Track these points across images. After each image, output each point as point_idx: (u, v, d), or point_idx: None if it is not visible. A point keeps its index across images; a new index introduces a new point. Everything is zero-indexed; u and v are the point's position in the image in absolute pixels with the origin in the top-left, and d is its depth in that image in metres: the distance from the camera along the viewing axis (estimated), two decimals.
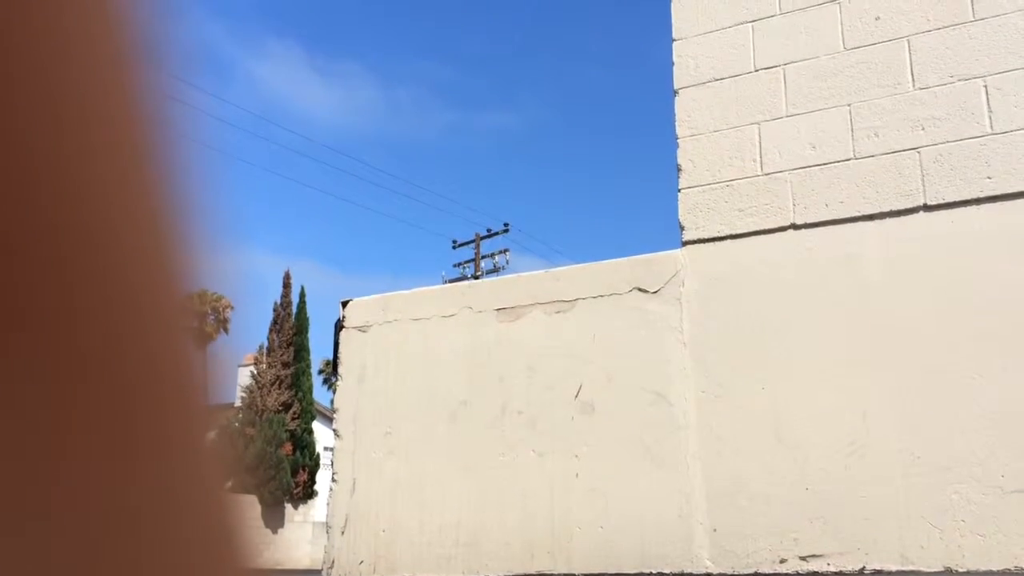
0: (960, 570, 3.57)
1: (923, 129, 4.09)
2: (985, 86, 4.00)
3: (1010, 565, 3.50)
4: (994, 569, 3.51)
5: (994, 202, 3.89)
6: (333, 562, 4.90)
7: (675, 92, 4.74)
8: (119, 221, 0.25)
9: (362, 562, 4.80)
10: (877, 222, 4.10)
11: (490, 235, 34.58)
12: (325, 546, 5.00)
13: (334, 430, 5.29)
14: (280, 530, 25.29)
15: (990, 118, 3.96)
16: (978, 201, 3.91)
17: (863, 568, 3.73)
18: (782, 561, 3.89)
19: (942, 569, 3.60)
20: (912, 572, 3.63)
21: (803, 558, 3.86)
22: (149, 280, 0.26)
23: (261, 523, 24.87)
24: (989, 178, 3.91)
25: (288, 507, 25.68)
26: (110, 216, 0.25)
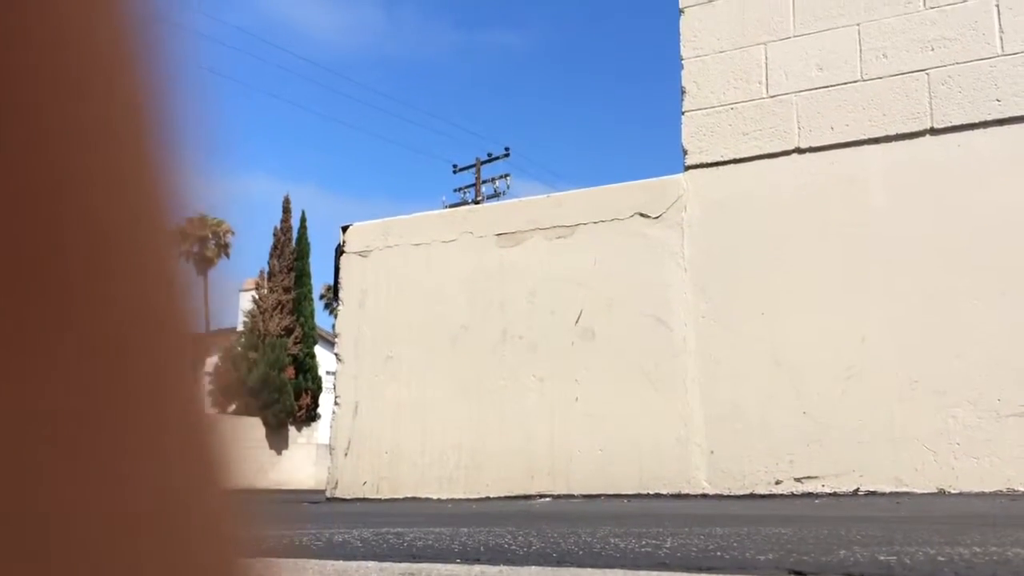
0: (953, 491, 3.64)
1: (932, 50, 4.00)
2: (997, 5, 3.89)
3: (1003, 487, 3.57)
4: (987, 491, 3.58)
5: (1001, 125, 3.83)
6: (337, 483, 5.00)
7: (680, 11, 4.62)
8: (102, 143, 0.24)
9: (365, 483, 4.90)
10: (883, 146, 4.05)
11: (491, 160, 34.30)
12: (329, 467, 5.09)
13: (336, 354, 5.33)
14: (284, 452, 25.79)
15: (1001, 39, 3.87)
16: (985, 124, 3.85)
17: (857, 489, 3.81)
18: (777, 483, 3.97)
19: (935, 491, 3.67)
20: (905, 494, 3.70)
21: (798, 479, 3.93)
22: (137, 203, 0.25)
23: (266, 445, 25.33)
24: (997, 100, 3.84)
25: (292, 430, 26.12)
26: (93, 137, 0.24)
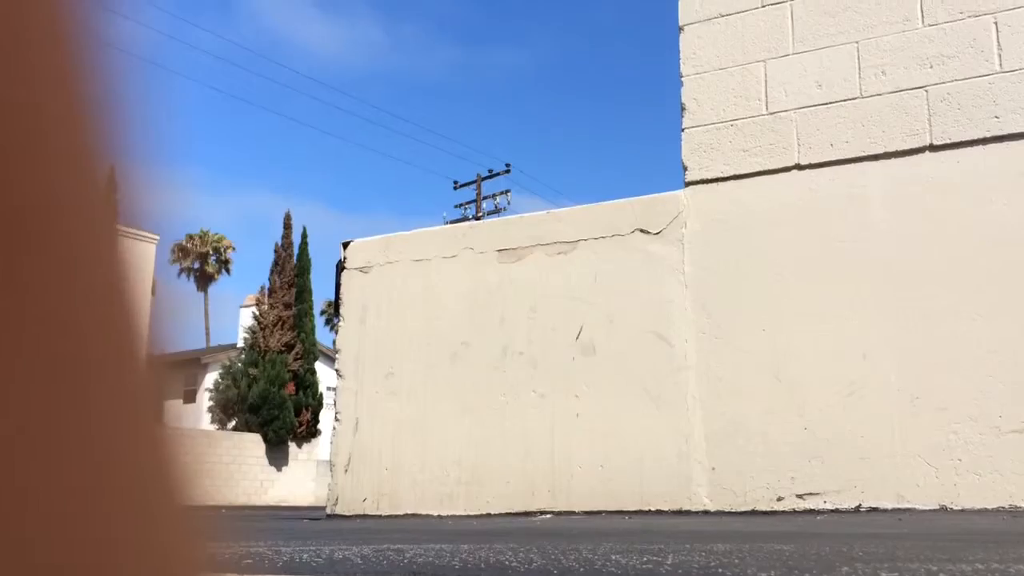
0: (955, 508, 3.62)
1: (931, 67, 4.02)
2: (995, 23, 3.92)
3: (1005, 503, 3.56)
4: (989, 507, 3.57)
5: (1001, 142, 3.84)
6: (337, 499, 4.98)
7: (680, 29, 4.65)
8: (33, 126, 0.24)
9: (365, 499, 4.88)
10: (882, 162, 4.06)
11: (492, 176, 34.38)
12: (329, 484, 5.08)
13: (336, 370, 5.33)
14: (284, 468, 25.71)
15: (999, 56, 3.89)
16: (984, 141, 3.87)
17: (859, 506, 3.79)
18: (779, 499, 3.95)
19: (937, 507, 3.66)
20: (907, 510, 3.68)
21: (800, 496, 3.91)
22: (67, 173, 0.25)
23: (265, 461, 25.23)
24: (996, 117, 3.86)
25: (292, 446, 26.03)
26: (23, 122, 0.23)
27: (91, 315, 0.26)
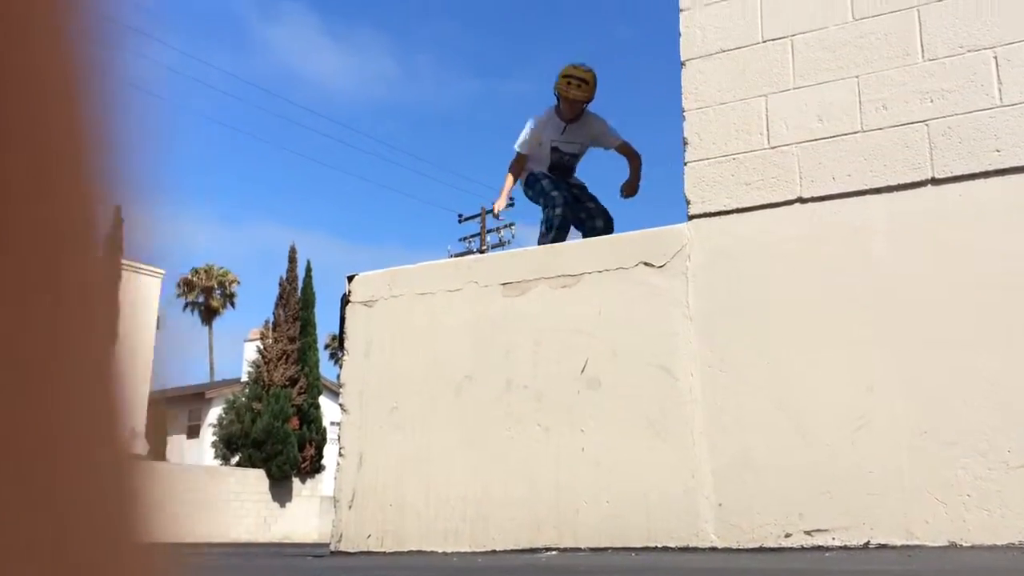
0: (965, 544, 3.58)
1: (932, 101, 4.04)
2: (995, 57, 3.95)
3: (1015, 540, 3.51)
4: (999, 544, 3.52)
5: (1002, 175, 3.85)
6: (341, 536, 4.94)
7: (682, 64, 4.69)
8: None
9: (370, 536, 4.84)
10: (884, 195, 4.07)
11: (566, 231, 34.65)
12: (333, 520, 5.03)
13: (340, 405, 5.31)
14: (288, 504, 25.51)
15: (999, 90, 3.92)
16: (986, 174, 3.88)
17: (868, 542, 3.75)
18: (787, 535, 3.91)
19: (947, 544, 3.61)
20: (916, 547, 3.64)
21: (808, 532, 3.87)
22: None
23: (269, 497, 25.04)
24: (998, 151, 3.87)
25: (296, 481, 25.87)
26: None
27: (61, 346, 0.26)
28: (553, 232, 5.87)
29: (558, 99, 5.95)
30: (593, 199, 6.14)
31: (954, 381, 3.74)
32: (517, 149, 6.13)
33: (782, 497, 3.95)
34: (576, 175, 6.31)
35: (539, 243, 5.93)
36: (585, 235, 5.96)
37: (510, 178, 6.26)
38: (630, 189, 6.15)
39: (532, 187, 6.13)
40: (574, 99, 5.86)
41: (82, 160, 0.26)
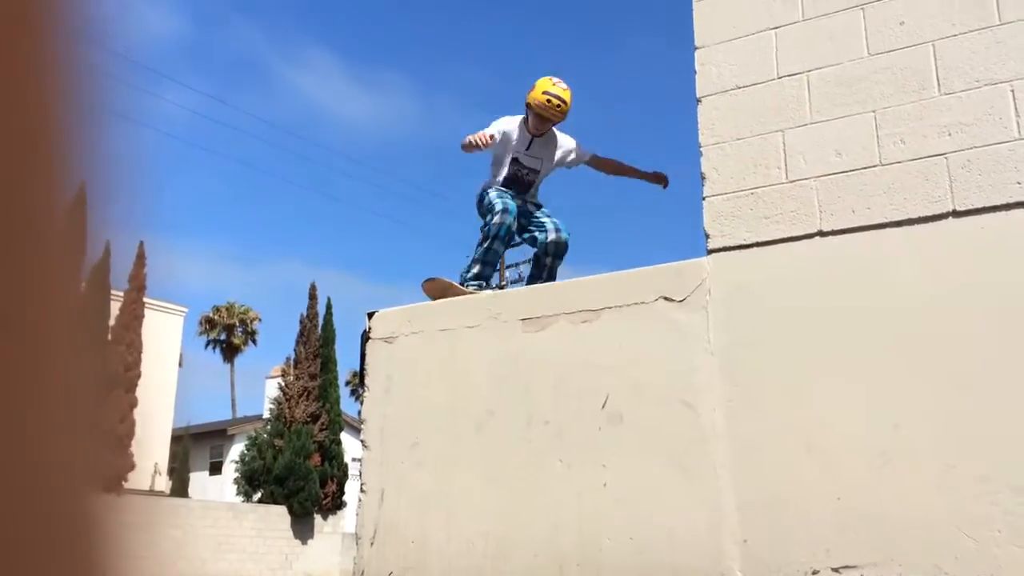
0: None
1: (950, 135, 4.05)
2: (1012, 90, 3.95)
3: None
4: None
5: (1022, 207, 3.84)
6: (363, 573, 4.92)
7: (698, 100, 4.73)
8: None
9: (391, 573, 4.82)
10: (905, 228, 4.06)
11: (515, 244, 34.75)
12: (354, 557, 5.02)
13: (362, 441, 5.32)
14: (310, 541, 25.40)
15: (1017, 123, 3.92)
16: (1008, 207, 3.86)
17: None
18: (814, 572, 3.85)
19: None
20: None
21: (835, 570, 3.82)
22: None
23: (291, 534, 24.93)
24: (1018, 183, 3.86)
25: (317, 518, 25.79)
26: None
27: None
28: (488, 241, 5.65)
29: (529, 111, 5.71)
30: (549, 216, 5.91)
31: (982, 415, 3.70)
32: (491, 130, 5.62)
33: (808, 534, 3.90)
34: (538, 196, 6.04)
35: (473, 255, 5.75)
36: (535, 247, 5.78)
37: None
38: (655, 178, 5.93)
39: (480, 202, 5.89)
40: (550, 119, 5.65)
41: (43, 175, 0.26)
